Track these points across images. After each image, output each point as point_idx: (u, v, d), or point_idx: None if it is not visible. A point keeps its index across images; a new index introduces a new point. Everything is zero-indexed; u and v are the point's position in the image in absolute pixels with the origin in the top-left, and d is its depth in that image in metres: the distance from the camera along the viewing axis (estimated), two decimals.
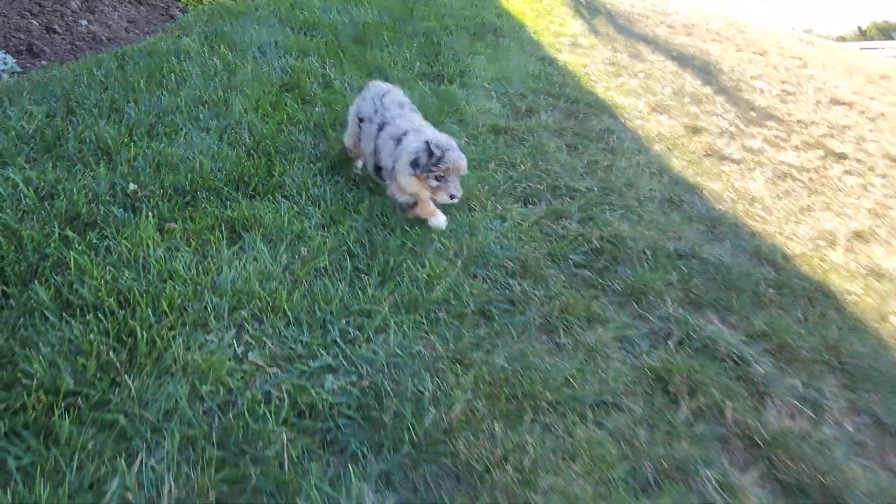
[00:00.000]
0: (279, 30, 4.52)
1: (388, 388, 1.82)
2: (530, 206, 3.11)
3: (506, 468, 1.64)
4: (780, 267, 2.99)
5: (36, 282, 1.82)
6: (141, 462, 1.45)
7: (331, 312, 2.04)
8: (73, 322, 1.73)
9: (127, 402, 1.58)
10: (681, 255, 2.91)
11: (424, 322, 2.12)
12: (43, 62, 3.70)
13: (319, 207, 2.57)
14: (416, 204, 2.59)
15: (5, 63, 3.42)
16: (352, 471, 1.55)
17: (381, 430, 1.69)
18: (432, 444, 1.68)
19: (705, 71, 6.64)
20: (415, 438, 1.68)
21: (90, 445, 1.46)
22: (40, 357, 1.59)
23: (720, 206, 3.57)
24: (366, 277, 2.24)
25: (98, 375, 1.61)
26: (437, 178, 2.41)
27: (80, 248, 1.99)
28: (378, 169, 2.65)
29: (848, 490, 1.84)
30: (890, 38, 38.00)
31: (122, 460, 1.43)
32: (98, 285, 1.85)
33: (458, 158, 2.43)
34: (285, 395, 1.71)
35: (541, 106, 4.43)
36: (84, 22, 4.32)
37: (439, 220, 2.61)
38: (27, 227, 2.01)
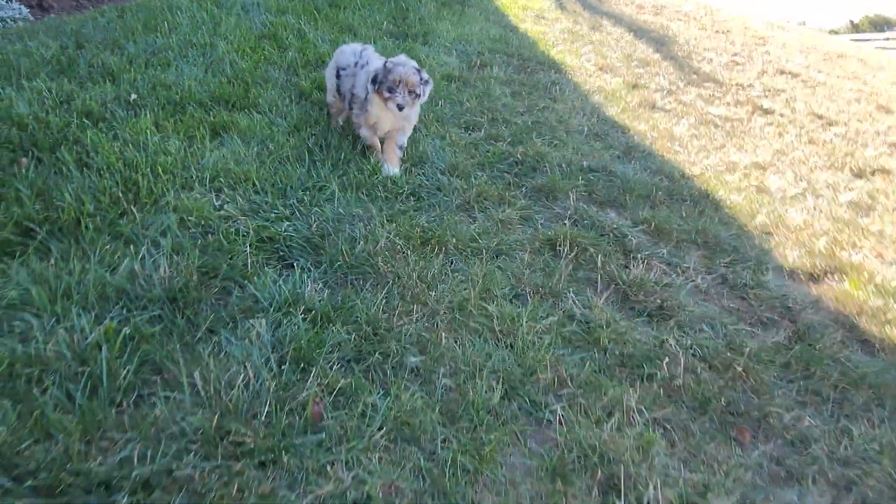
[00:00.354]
0: None
1: (331, 230, 2.43)
2: (470, 131, 3.73)
3: (412, 277, 2.26)
4: (677, 181, 3.62)
5: (62, 147, 2.43)
6: (143, 255, 2.06)
7: (290, 186, 2.66)
8: (90, 175, 2.34)
9: (132, 224, 2.19)
10: (592, 169, 3.53)
11: (365, 197, 2.74)
12: (51, 15, 4.29)
13: (286, 120, 3.19)
14: (371, 146, 3.05)
15: (20, 13, 4.01)
16: (297, 272, 2.17)
17: (322, 254, 2.31)
18: (359, 263, 2.29)
19: (660, 42, 7.27)
20: (347, 259, 2.29)
21: (107, 246, 2.06)
22: (68, 192, 2.20)
23: (640, 140, 4.19)
24: (320, 165, 2.86)
25: (110, 206, 2.22)
26: (389, 90, 2.79)
27: (93, 131, 2.60)
28: (351, 102, 3.05)
29: (679, 311, 2.46)
30: (881, 30, 38.72)
31: (131, 251, 2.05)
32: (108, 154, 2.46)
33: (405, 72, 2.79)
34: (251, 231, 2.32)
35: (494, 62, 5.05)
36: None
37: (391, 170, 2.96)
38: (53, 116, 2.62)
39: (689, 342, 2.30)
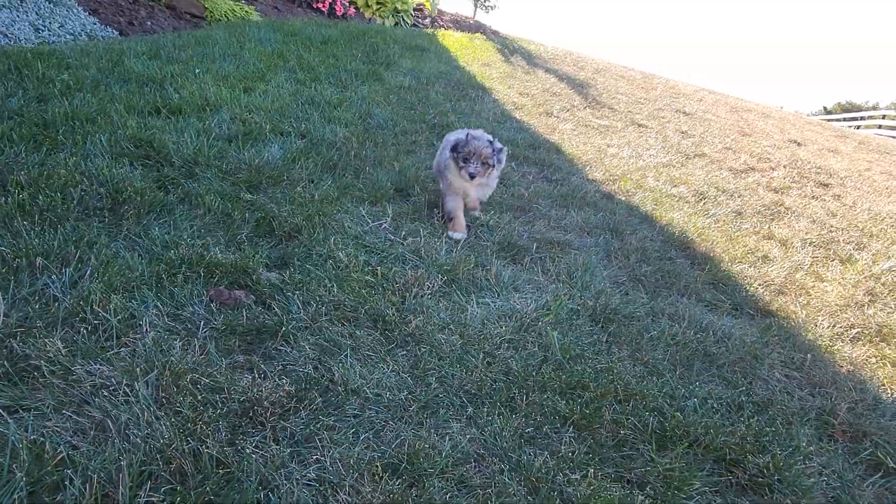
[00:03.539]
0: (272, 33, 7.72)
1: (312, 132, 4.69)
2: (408, 109, 6.09)
3: (369, 152, 4.49)
4: (540, 141, 5.95)
5: (167, 83, 4.74)
6: (214, 124, 4.30)
7: (288, 114, 4.95)
8: (182, 93, 4.64)
9: (208, 115, 4.45)
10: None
11: (335, 122, 5.03)
12: (130, 35, 6.78)
13: (287, 89, 5.54)
14: (452, 219, 3.46)
15: (114, 33, 6.49)
16: (292, 138, 4.41)
17: (306, 136, 4.55)
18: (324, 140, 4.53)
19: (580, 86, 9.93)
20: (317, 138, 4.54)
21: (196, 119, 4.31)
22: (175, 98, 4.48)
23: (527, 127, 6.57)
24: (307, 108, 5.17)
25: (197, 108, 4.49)
26: (464, 160, 3.31)
27: (181, 78, 4.92)
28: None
29: (508, 181, 4.68)
30: (849, 112, 43.53)
31: (208, 125, 4.29)
32: (190, 88, 4.77)
33: (479, 146, 3.29)
34: (268, 126, 4.57)
35: (437, 83, 7.55)
36: (149, 23, 7.48)
37: (456, 234, 3.39)
38: (155, 73, 4.96)
39: (506, 190, 4.50)
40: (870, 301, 3.73)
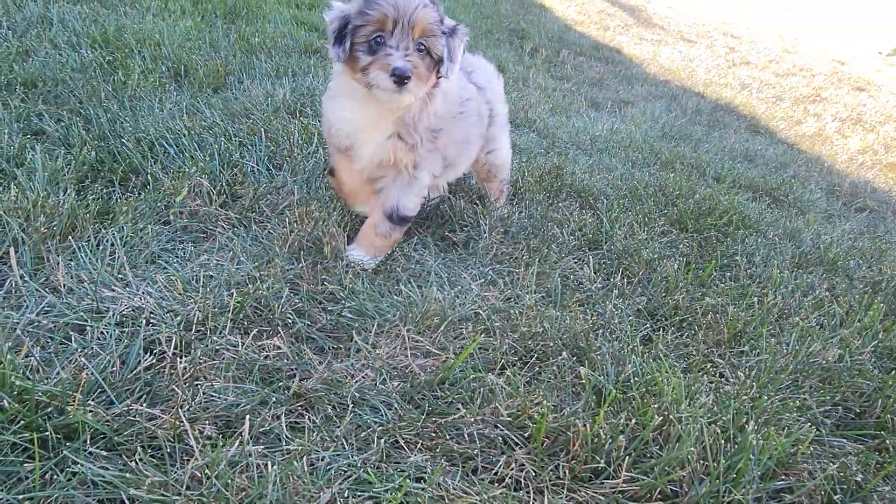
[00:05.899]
0: None
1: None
2: (485, 18, 7.05)
3: None
4: (603, 46, 6.86)
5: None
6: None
7: None
8: (274, 20, 5.70)
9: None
10: (553, 36, 6.79)
11: None
12: None
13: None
14: (332, 171, 1.82)
15: None
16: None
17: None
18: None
19: (632, 10, 10.63)
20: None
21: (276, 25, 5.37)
22: (269, 29, 5.55)
23: (592, 37, 7.46)
24: None
25: (281, 31, 5.55)
26: (371, 47, 1.50)
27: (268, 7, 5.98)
28: None
29: (576, 71, 5.65)
30: None
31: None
32: (276, 13, 5.83)
33: (406, 5, 1.50)
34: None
35: (503, 1, 8.44)
36: None
37: (354, 254, 1.73)
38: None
39: (580, 74, 5.48)
40: (885, 150, 4.66)
